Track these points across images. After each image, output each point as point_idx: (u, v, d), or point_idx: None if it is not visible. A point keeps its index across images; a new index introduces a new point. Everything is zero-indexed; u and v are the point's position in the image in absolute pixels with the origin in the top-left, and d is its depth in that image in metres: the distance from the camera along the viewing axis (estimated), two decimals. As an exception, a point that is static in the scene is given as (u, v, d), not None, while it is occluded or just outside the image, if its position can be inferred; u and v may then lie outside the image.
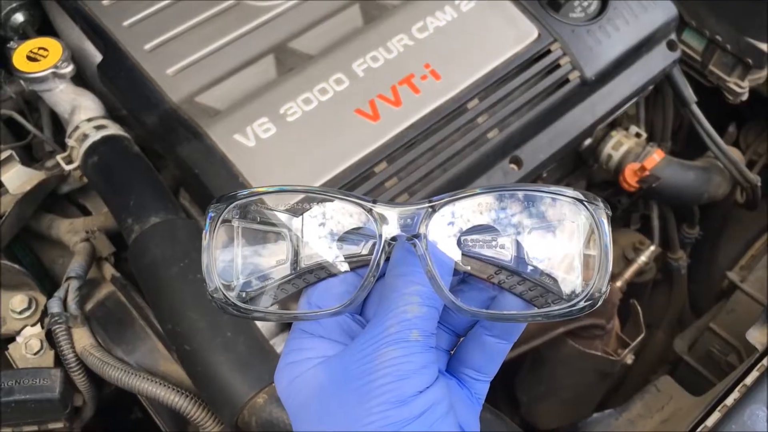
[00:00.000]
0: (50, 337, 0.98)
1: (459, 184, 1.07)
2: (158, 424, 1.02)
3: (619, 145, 1.39)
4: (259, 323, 0.92)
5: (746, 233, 1.61)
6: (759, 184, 1.43)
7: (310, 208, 0.53)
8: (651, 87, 1.33)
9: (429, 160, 1.05)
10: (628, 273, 1.50)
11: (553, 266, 0.51)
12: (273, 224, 0.54)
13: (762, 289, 1.28)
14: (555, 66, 1.14)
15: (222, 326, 0.86)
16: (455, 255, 0.52)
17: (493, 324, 0.53)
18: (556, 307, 0.50)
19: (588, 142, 1.36)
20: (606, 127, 1.40)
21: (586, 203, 0.50)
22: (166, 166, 1.16)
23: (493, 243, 0.52)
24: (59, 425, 0.96)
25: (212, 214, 0.53)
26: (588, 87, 1.18)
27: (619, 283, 1.46)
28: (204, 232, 0.53)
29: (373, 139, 1.02)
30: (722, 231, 1.66)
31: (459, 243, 0.52)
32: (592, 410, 1.39)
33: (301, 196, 0.53)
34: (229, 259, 0.53)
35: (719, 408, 0.85)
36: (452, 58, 1.10)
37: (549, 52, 1.14)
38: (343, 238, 0.53)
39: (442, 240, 0.51)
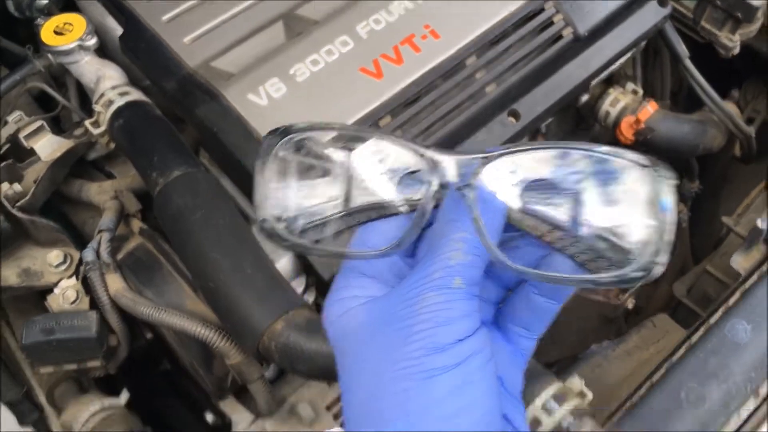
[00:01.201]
0: (86, 286, 1.06)
1: (459, 136, 1.13)
2: (185, 368, 1.10)
3: (616, 101, 1.44)
4: (277, 265, 1.00)
5: (746, 187, 1.66)
6: (753, 135, 1.48)
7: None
8: (643, 42, 1.38)
9: (430, 114, 1.12)
10: (630, 226, 1.55)
11: (610, 231, 0.48)
12: (328, 161, 0.53)
13: (753, 229, 1.33)
14: (548, 23, 1.21)
15: (242, 264, 0.93)
16: (507, 208, 0.50)
17: (541, 283, 0.52)
18: (606, 275, 0.48)
19: (585, 98, 1.41)
20: (603, 84, 1.46)
21: (651, 169, 0.47)
22: (185, 130, 1.23)
23: (548, 201, 0.49)
24: (96, 363, 1.04)
25: (266, 146, 0.52)
26: (581, 43, 1.23)
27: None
28: (257, 162, 0.52)
29: (377, 95, 1.09)
30: (722, 186, 1.70)
31: (512, 197, 0.50)
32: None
33: (358, 136, 0.53)
34: (281, 192, 0.53)
35: (704, 326, 0.91)
36: (450, 19, 1.16)
37: (542, 10, 1.20)
38: (397, 181, 0.53)
39: (495, 192, 0.49)
